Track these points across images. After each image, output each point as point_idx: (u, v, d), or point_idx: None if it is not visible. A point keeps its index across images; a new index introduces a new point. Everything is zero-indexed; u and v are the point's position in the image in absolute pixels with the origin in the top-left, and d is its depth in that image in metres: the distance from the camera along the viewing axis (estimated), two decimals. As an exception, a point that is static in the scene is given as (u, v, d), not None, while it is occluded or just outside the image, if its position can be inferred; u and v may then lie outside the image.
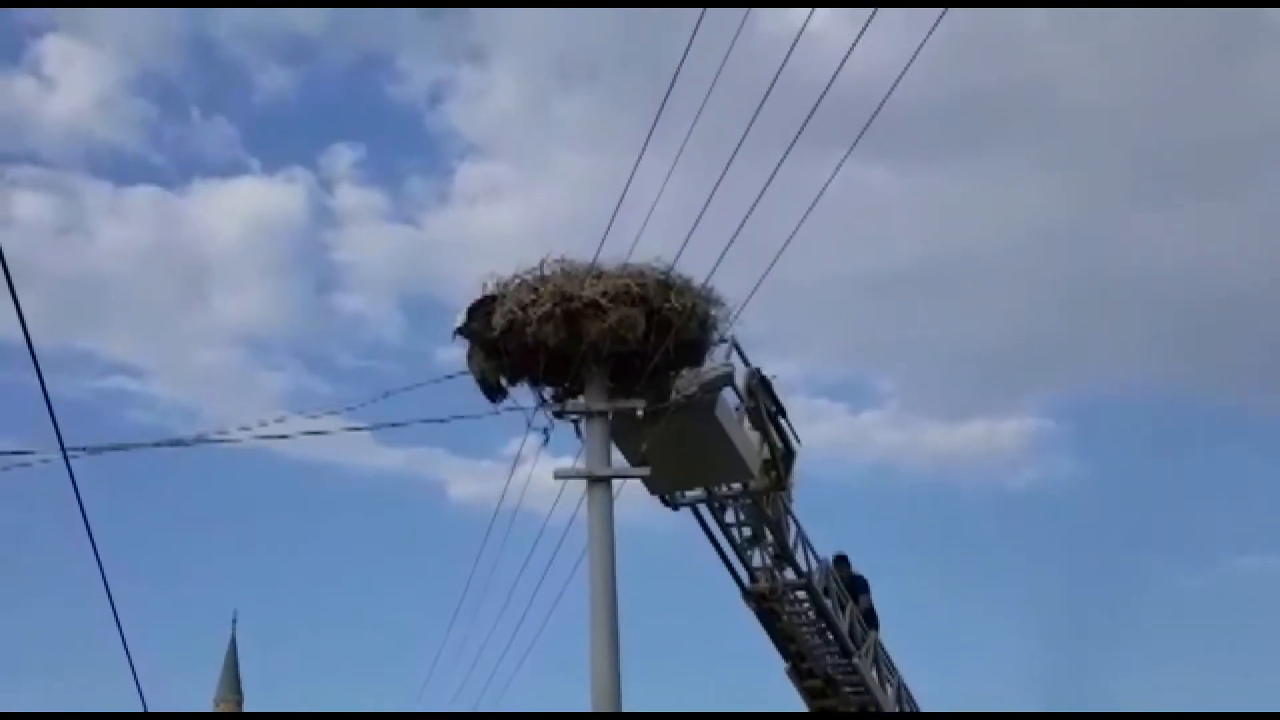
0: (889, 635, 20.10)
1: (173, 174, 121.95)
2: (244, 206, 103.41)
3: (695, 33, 9.66)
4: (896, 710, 19.76)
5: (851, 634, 18.91)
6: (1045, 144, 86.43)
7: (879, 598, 20.06)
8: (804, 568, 18.04)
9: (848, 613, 18.95)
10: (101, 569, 12.80)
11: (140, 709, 16.45)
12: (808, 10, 9.20)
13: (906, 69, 8.90)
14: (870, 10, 8.82)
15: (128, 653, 14.49)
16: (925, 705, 20.70)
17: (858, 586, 19.54)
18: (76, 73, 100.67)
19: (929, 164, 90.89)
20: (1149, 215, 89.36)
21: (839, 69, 9.07)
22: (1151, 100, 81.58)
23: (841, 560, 19.29)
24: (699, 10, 9.91)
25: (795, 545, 17.95)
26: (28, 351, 9.44)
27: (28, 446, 13.78)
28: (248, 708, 77.54)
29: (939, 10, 8.71)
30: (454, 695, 25.17)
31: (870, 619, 19.66)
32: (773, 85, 9.79)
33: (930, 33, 8.53)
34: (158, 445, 15.61)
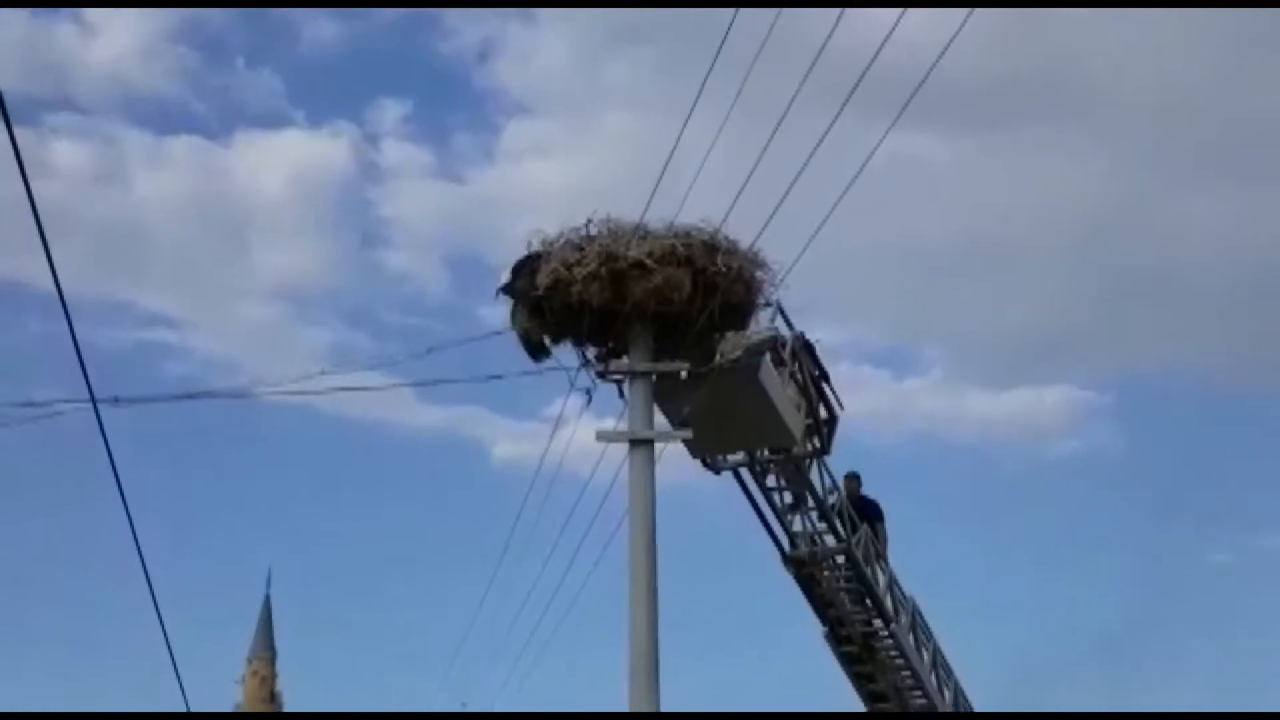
0: (926, 600, 20.34)
1: (215, 124, 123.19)
2: (288, 159, 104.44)
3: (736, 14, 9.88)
4: (932, 678, 20.02)
5: (891, 598, 19.17)
6: (1097, 122, 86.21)
7: (917, 562, 20.11)
8: (844, 534, 18.29)
9: (885, 579, 19.19)
10: (131, 522, 12.97)
11: (171, 668, 16.58)
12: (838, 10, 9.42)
13: (947, 48, 9.11)
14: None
15: (158, 610, 14.63)
16: (959, 669, 20.94)
17: (870, 512, 19.38)
18: (118, 20, 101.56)
19: (980, 136, 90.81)
20: (1198, 196, 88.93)
21: (882, 45, 9.30)
22: (1202, 82, 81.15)
23: (853, 478, 19.20)
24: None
25: (836, 511, 18.19)
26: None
27: (64, 397, 14.05)
28: (281, 665, 78.58)
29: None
30: (490, 657, 25.57)
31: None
32: (820, 54, 10.01)
33: (967, 19, 8.73)
34: (190, 397, 15.84)
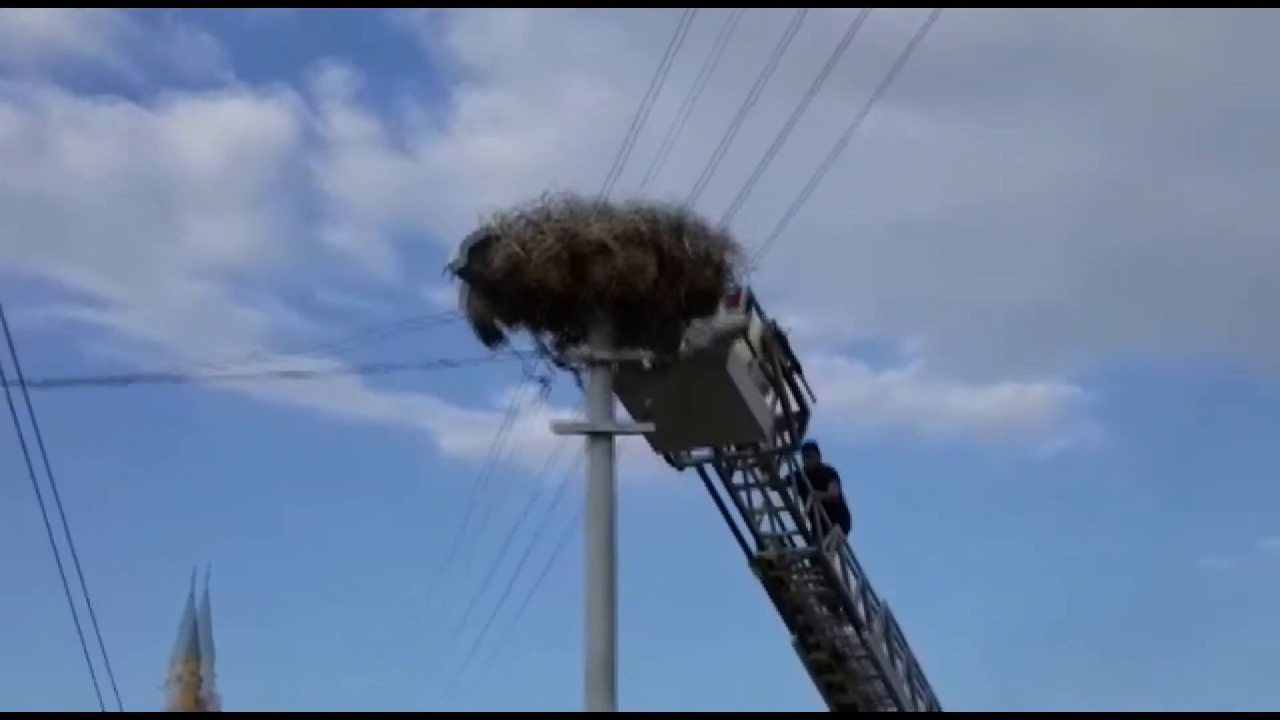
0: (901, 606, 20.44)
1: (147, 90, 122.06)
2: (224, 128, 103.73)
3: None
4: (906, 688, 20.12)
5: (863, 604, 19.24)
6: (1091, 98, 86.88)
7: (892, 566, 20.10)
8: (814, 535, 18.32)
9: (857, 584, 19.26)
10: (44, 514, 12.87)
11: (89, 672, 16.36)
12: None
13: (932, 21, 9.12)
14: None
15: (73, 610, 14.52)
16: (934, 679, 21.08)
17: (826, 476, 19.15)
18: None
19: (965, 112, 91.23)
20: (1196, 179, 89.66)
21: (863, 17, 9.30)
22: (1206, 61, 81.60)
23: (810, 449, 18.92)
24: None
25: (807, 512, 18.21)
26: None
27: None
28: (218, 667, 78.35)
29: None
30: (438, 661, 25.56)
31: (838, 512, 19.23)
32: (799, 24, 10.00)
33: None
34: (116, 381, 15.66)
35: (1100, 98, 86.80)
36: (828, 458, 19.39)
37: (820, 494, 18.67)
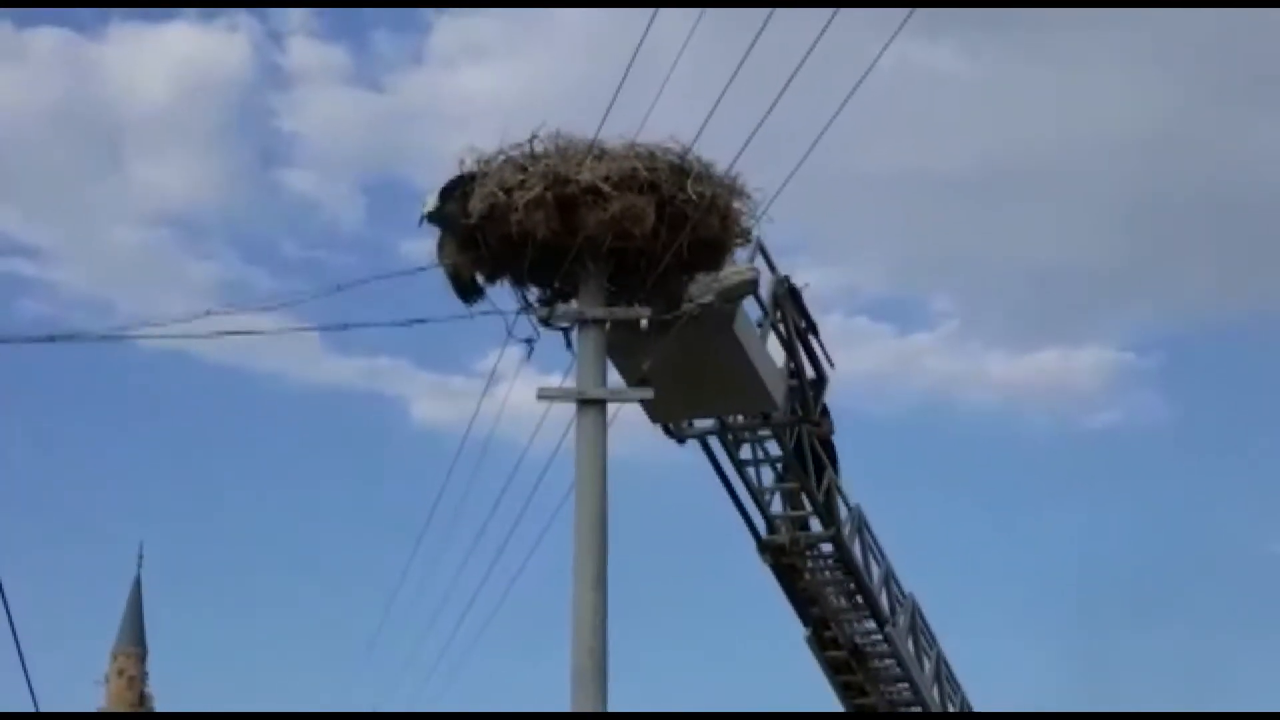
0: (930, 598, 20.58)
1: (87, 14, 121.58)
2: (173, 58, 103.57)
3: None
4: (935, 691, 20.30)
5: (886, 595, 19.37)
6: (1146, 31, 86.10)
7: (919, 552, 20.29)
8: (833, 519, 18.44)
9: (880, 572, 19.40)
10: None
11: (19, 664, 16.36)
12: None
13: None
14: None
15: (3, 597, 14.60)
16: (966, 677, 21.23)
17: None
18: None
19: (1003, 44, 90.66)
20: (1265, 116, 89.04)
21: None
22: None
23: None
24: None
25: (822, 490, 18.32)
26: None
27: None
28: (154, 662, 78.56)
29: None
30: (409, 654, 25.73)
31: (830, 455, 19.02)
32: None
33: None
34: (50, 340, 15.75)
35: (1152, 25, 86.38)
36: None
37: (816, 429, 18.49)
